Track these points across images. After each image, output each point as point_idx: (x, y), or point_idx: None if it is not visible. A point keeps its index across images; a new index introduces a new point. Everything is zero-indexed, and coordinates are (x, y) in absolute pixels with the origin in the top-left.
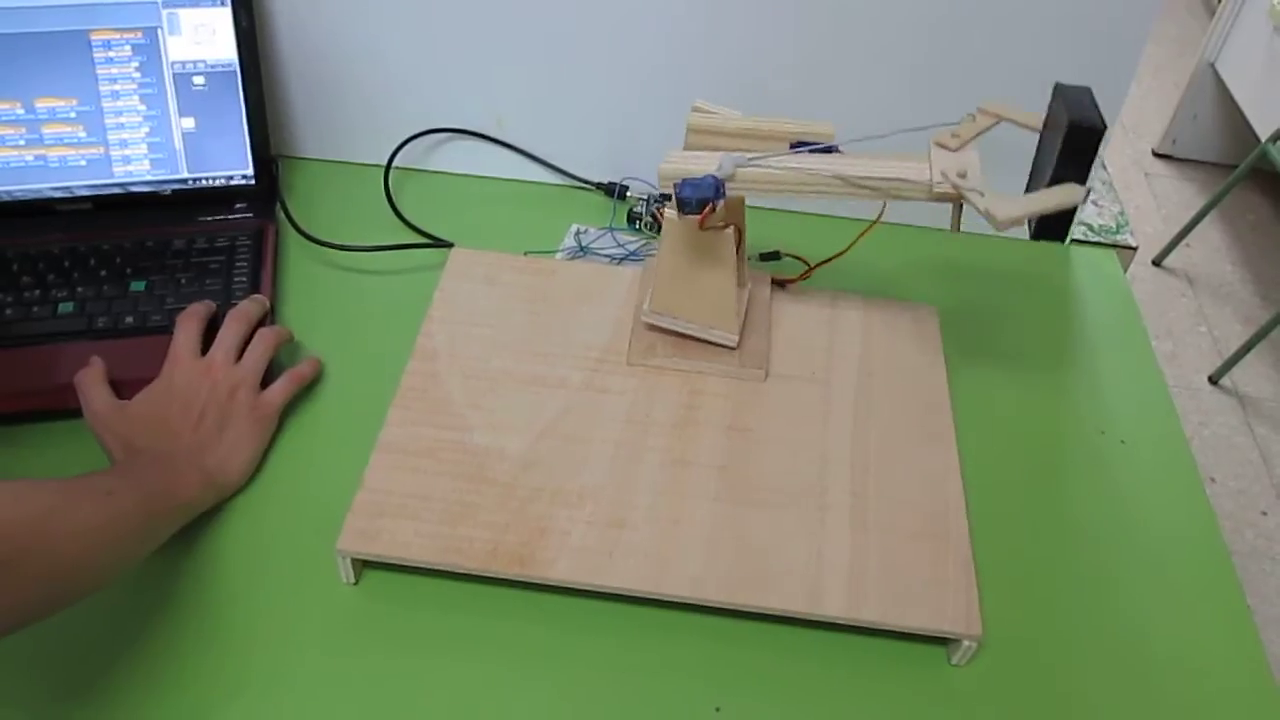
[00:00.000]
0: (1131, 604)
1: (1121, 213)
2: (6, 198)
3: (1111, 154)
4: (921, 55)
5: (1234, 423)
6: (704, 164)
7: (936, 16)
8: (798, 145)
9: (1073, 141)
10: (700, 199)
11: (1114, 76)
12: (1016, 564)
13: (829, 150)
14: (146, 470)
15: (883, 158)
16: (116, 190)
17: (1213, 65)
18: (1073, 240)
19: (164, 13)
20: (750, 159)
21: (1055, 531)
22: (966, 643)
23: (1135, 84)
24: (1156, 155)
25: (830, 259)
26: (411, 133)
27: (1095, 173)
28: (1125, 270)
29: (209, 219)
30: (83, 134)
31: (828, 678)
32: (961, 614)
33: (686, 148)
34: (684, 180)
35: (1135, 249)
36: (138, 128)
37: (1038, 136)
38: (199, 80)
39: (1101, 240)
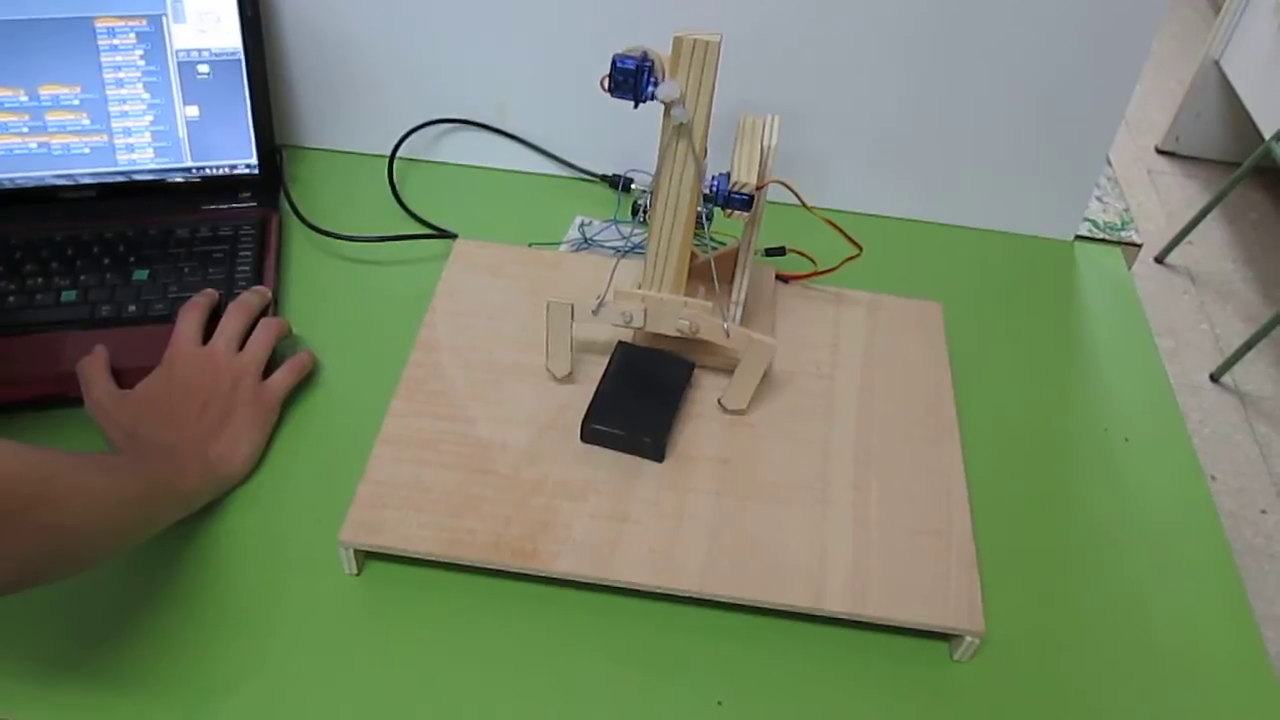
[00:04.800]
0: (1134, 600)
1: (1126, 209)
2: (10, 185)
3: (1115, 151)
4: (923, 53)
5: (1235, 421)
6: None
7: (938, 14)
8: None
9: None
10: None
11: (1119, 73)
12: (1019, 560)
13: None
14: (149, 457)
15: None
16: (120, 178)
17: (1217, 63)
18: (1077, 237)
19: (169, 0)
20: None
21: (1058, 527)
22: (969, 638)
23: (1139, 81)
24: (1160, 152)
25: (831, 269)
26: (416, 123)
27: (1100, 169)
28: (1129, 267)
29: (213, 208)
30: (87, 121)
31: (830, 673)
32: (964, 609)
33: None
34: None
35: (1140, 246)
36: (142, 116)
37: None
38: (203, 69)
39: (1106, 237)
